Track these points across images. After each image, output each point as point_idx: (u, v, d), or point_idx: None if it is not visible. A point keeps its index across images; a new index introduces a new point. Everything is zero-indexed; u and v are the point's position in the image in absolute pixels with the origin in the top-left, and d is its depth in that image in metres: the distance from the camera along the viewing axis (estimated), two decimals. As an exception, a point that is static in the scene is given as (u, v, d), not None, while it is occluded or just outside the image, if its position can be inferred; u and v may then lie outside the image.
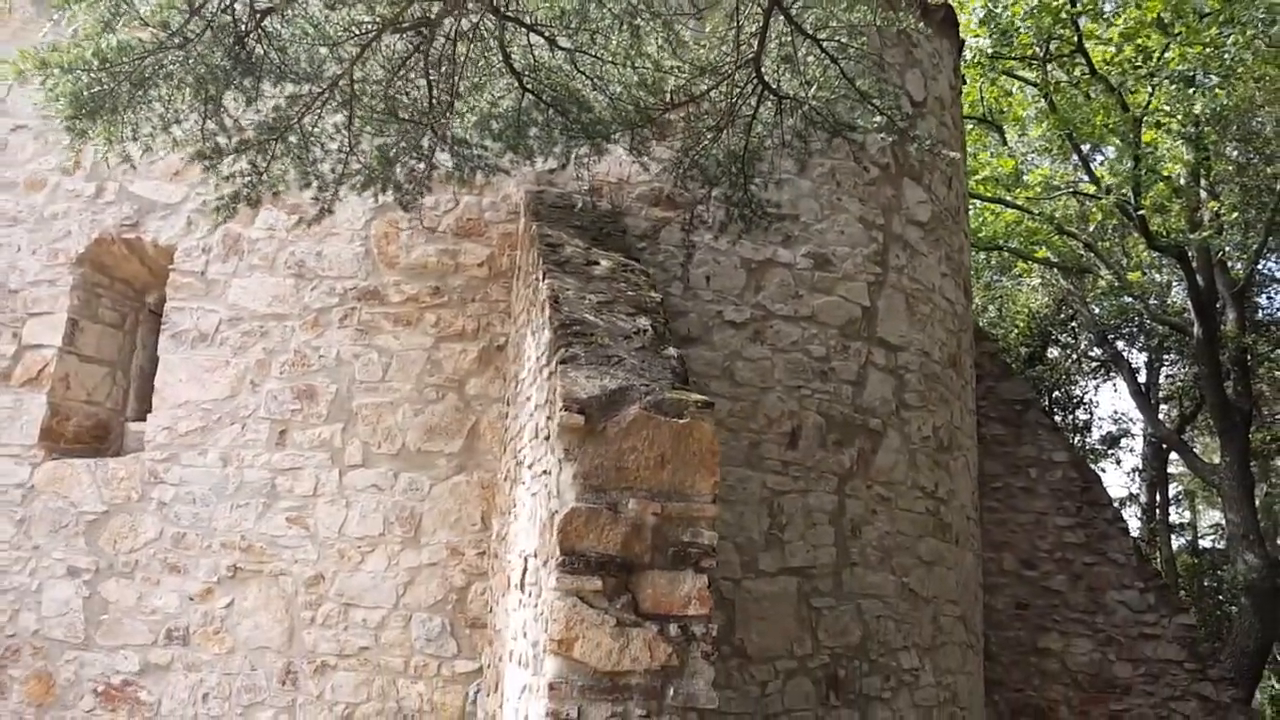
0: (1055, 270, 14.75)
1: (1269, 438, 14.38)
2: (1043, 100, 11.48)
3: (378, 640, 4.84)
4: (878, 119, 4.55)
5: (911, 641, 5.91)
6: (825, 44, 4.11)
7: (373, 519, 4.97)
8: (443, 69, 4.35)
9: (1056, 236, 13.82)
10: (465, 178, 4.79)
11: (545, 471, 3.50)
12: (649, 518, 3.02)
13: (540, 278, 4.10)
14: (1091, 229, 12.66)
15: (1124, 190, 10.74)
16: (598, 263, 4.32)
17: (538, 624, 3.28)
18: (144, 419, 5.63)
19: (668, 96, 4.43)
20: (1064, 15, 8.89)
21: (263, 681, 4.84)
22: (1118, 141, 10.74)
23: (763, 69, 4.10)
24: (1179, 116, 9.54)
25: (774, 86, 4.22)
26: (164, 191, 5.54)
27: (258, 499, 5.03)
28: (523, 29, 4.17)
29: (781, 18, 3.99)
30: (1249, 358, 12.95)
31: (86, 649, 5.04)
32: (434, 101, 4.43)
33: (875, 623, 5.64)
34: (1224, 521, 13.73)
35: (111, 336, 5.67)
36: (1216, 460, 13.62)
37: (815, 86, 4.32)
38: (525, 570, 3.72)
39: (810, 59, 4.24)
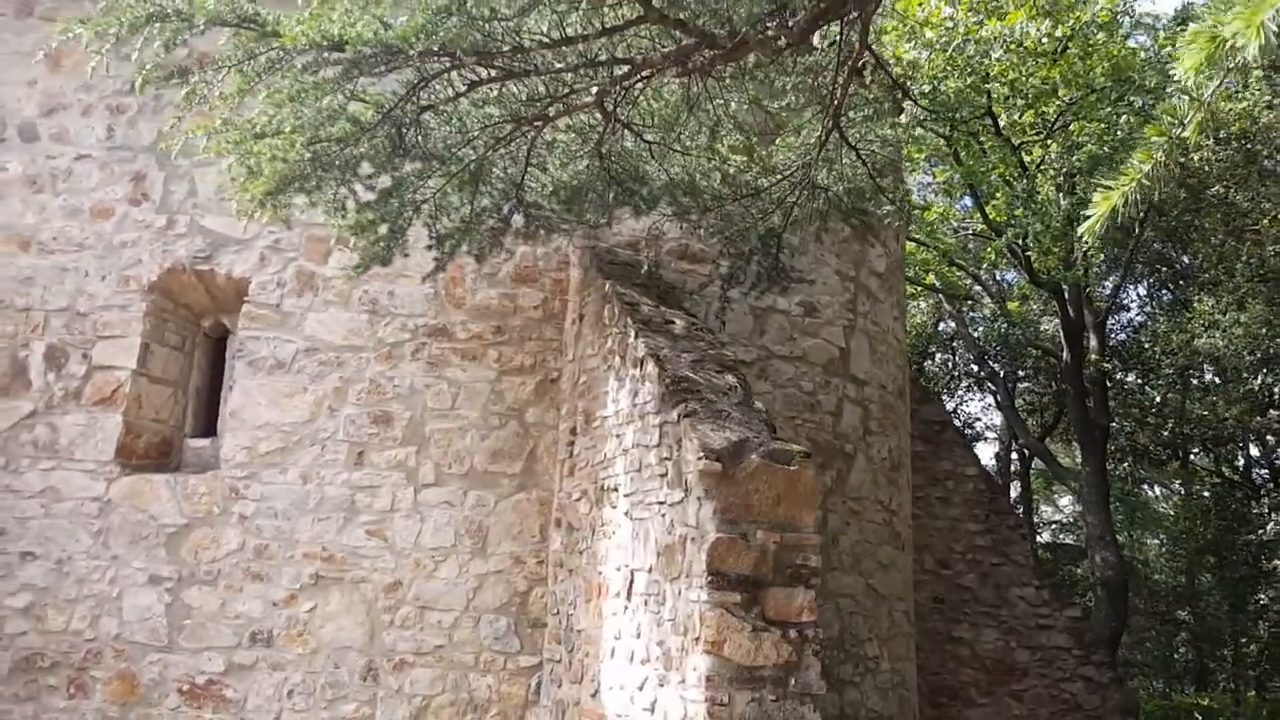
0: (940, 295, 16.37)
1: (1120, 448, 16.34)
2: (945, 145, 12.87)
3: (451, 639, 5.52)
4: (887, 207, 5.54)
5: (874, 634, 6.96)
6: (861, 151, 5.06)
7: (445, 532, 5.64)
8: (539, 150, 5.08)
9: (946, 267, 15.39)
10: (531, 234, 5.51)
11: (661, 502, 4.30)
12: (771, 545, 3.88)
13: (632, 335, 4.89)
14: (984, 265, 14.19)
15: (1014, 233, 12.22)
16: (673, 321, 5.14)
17: (665, 628, 4.09)
18: (203, 436, 6.11)
19: (718, 182, 5.29)
20: (983, 86, 10.18)
21: (346, 678, 5.45)
22: (1011, 191, 12.21)
23: (812, 171, 5.02)
24: (1060, 169, 11.05)
25: (818, 184, 5.14)
26: (236, 228, 6.00)
27: (338, 513, 5.61)
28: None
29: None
30: (1107, 380, 14.80)
31: (170, 651, 5.51)
32: (524, 175, 5.14)
33: (848, 618, 6.65)
34: (1083, 522, 15.58)
35: (174, 359, 6.09)
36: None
37: (846, 182, 5.27)
38: (631, 582, 4.51)
39: (846, 161, 5.17)
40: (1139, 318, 16.29)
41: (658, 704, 4.11)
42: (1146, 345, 15.13)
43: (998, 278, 16.33)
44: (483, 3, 3.63)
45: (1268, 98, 9.81)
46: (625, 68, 4.34)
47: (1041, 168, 11.67)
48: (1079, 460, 17.30)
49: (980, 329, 16.36)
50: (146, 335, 5.89)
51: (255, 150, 4.00)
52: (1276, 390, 11.23)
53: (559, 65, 4.23)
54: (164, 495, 5.68)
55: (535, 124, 4.75)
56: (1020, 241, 12.61)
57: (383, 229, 4.68)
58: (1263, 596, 11.98)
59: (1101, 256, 14.01)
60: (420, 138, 4.56)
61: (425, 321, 5.89)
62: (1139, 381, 15.98)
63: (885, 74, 4.65)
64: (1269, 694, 18.20)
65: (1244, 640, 14.13)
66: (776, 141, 4.99)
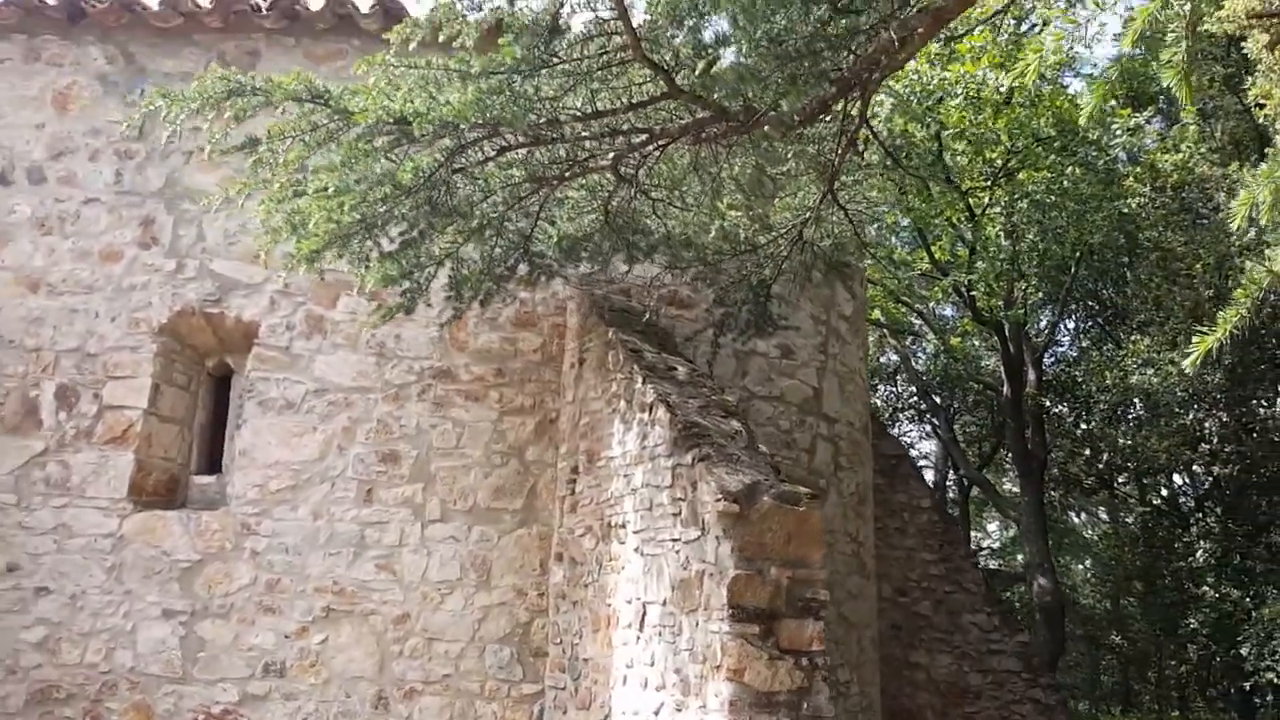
0: (884, 329, 17.05)
1: (1052, 477, 17.12)
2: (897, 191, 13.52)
3: (458, 668, 5.77)
4: (869, 261, 6.00)
5: (845, 660, 7.37)
6: (849, 211, 5.51)
7: (451, 565, 5.90)
8: (550, 205, 5.43)
9: (891, 304, 16.06)
10: (532, 280, 5.85)
11: (675, 539, 4.65)
12: (784, 580, 4.24)
13: (639, 382, 5.24)
14: (931, 305, 14.87)
15: (960, 274, 12.89)
16: (675, 368, 5.51)
17: (682, 657, 4.43)
18: (207, 473, 6.29)
19: (719, 237, 5.69)
20: (936, 134, 10.81)
21: (357, 707, 5.66)
22: (957, 234, 12.91)
23: (805, 231, 5.46)
24: (1007, 214, 11.74)
25: (809, 240, 5.58)
26: (245, 272, 6.22)
27: (349, 548, 5.84)
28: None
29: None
30: (1045, 414, 15.57)
31: (185, 683, 5.67)
32: (534, 228, 5.48)
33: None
34: (1020, 550, 16.28)
35: (181, 398, 6.27)
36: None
37: (833, 238, 5.72)
38: (644, 614, 4.84)
39: (835, 219, 5.62)
40: (1073, 353, 17.16)
41: (677, 727, 4.43)
42: (1080, 380, 15.96)
43: (938, 314, 17.06)
44: (529, 84, 3.98)
45: (1202, 150, 10.61)
46: (643, 135, 4.73)
47: (987, 213, 12.36)
48: (1015, 490, 18.11)
49: (923, 363, 17.05)
50: (157, 376, 6.07)
51: (303, 210, 4.26)
52: (1207, 425, 11.98)
53: (585, 134, 4.59)
54: (176, 531, 5.85)
55: (552, 183, 5.10)
56: (966, 282, 13.30)
57: (406, 283, 4.99)
58: (1192, 621, 12.69)
59: (1040, 295, 14.82)
60: (447, 196, 4.88)
61: (430, 364, 6.17)
62: (1071, 415, 16.81)
63: (879, 145, 5.09)
64: (1191, 713, 19.11)
65: (1173, 663, 14.89)
66: (775, 202, 5.41)
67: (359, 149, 4.05)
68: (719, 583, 4.24)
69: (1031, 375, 15.41)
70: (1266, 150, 10.61)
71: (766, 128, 4.49)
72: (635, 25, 3.96)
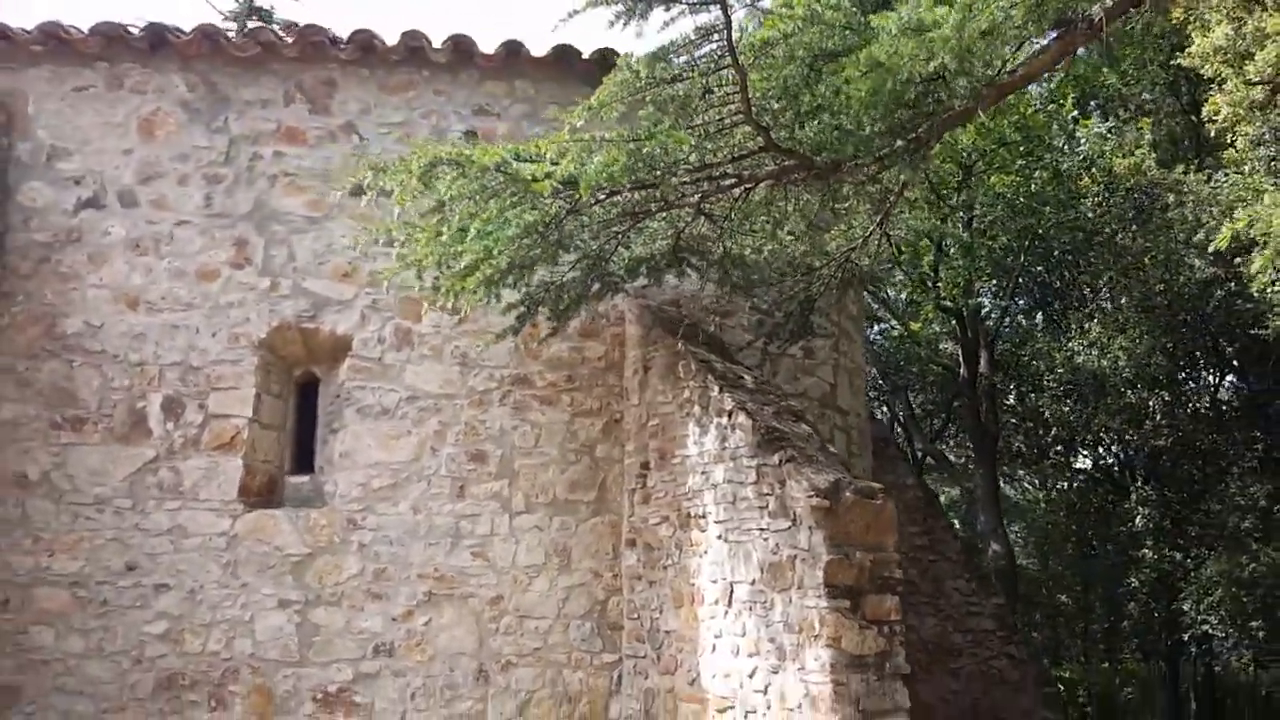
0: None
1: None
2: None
3: (546, 642, 6.49)
4: (900, 276, 6.83)
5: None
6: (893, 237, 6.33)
7: (536, 552, 6.60)
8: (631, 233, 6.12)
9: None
10: (600, 296, 6.55)
11: (763, 529, 5.43)
12: (866, 562, 5.05)
13: (716, 390, 5.97)
14: (902, 295, 15.90)
15: (928, 264, 13.92)
16: (743, 377, 6.27)
17: (775, 628, 5.21)
18: (299, 474, 6.86)
19: (781, 260, 6.45)
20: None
21: (460, 680, 6.35)
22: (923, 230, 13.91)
23: (852, 256, 6.26)
24: (980, 214, 12.73)
25: (856, 262, 6.38)
26: (336, 290, 6.77)
27: (446, 539, 6.50)
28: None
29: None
30: (995, 393, 16.77)
31: (302, 665, 6.28)
32: (614, 252, 6.17)
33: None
34: (975, 519, 17.52)
35: (276, 405, 6.82)
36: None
37: (874, 259, 6.54)
38: (731, 592, 5.61)
39: (877, 243, 6.42)
40: (1022, 337, 18.42)
41: (770, 687, 5.23)
42: (1027, 361, 17.22)
43: (900, 299, 18.11)
44: (668, 147, 4.65)
45: (1154, 155, 11.72)
46: (732, 180, 5.45)
47: (955, 210, 13.34)
48: (965, 462, 19.36)
49: (883, 346, 18.11)
50: (259, 386, 6.60)
51: (457, 251, 4.88)
52: (1151, 403, 13.21)
53: (685, 180, 5.29)
54: (286, 529, 6.43)
55: (641, 217, 5.80)
56: (932, 273, 14.33)
57: (521, 308, 5.68)
58: (1134, 580, 14.01)
59: (994, 282, 15.96)
60: (556, 233, 5.55)
61: (509, 372, 6.82)
62: (1018, 393, 18.09)
63: (930, 185, 5.88)
64: (1121, 665, 20.78)
65: (1112, 619, 16.30)
66: (832, 230, 6.19)
67: (511, 201, 4.70)
68: (813, 566, 5.03)
69: (984, 357, 16.60)
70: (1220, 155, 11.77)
71: (844, 174, 5.26)
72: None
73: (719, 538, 5.81)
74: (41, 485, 6.45)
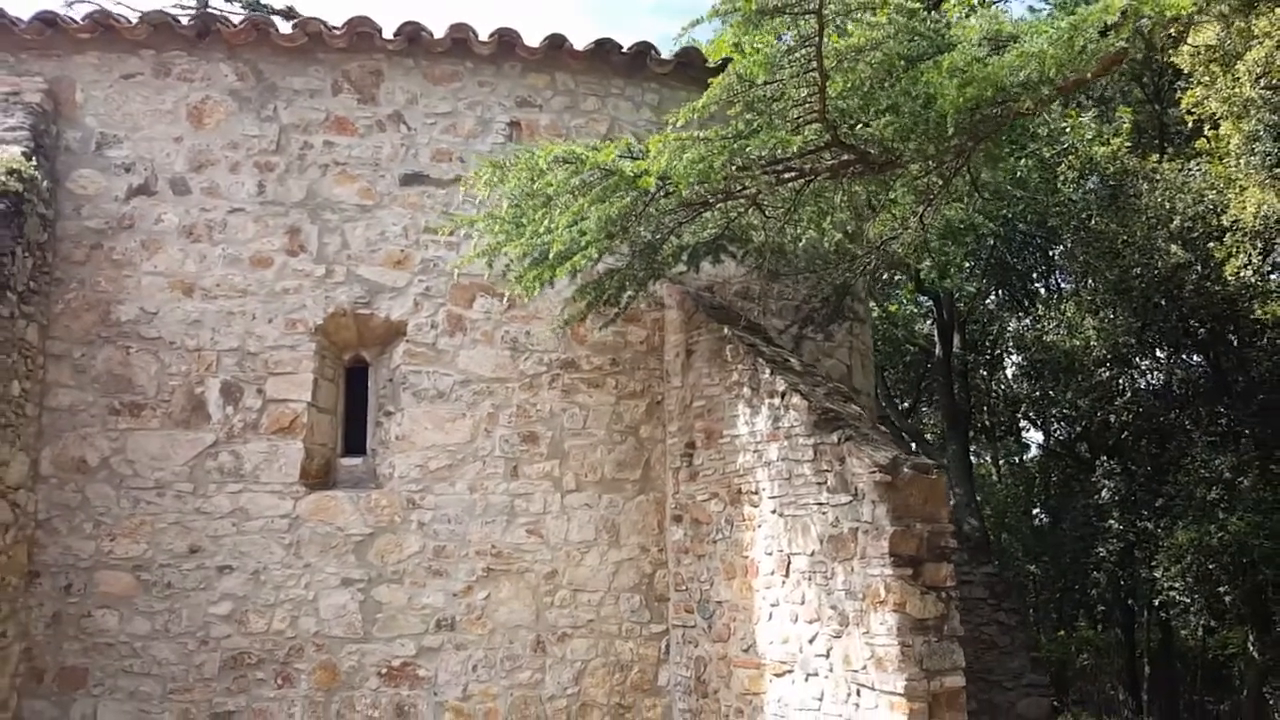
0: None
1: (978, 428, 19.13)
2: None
3: (598, 614, 6.80)
4: (929, 262, 7.22)
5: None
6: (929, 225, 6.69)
7: (586, 528, 6.89)
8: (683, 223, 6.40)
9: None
10: (649, 282, 6.83)
11: (821, 504, 5.77)
12: (925, 533, 5.42)
13: (767, 373, 6.29)
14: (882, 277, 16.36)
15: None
16: (789, 360, 6.60)
17: (836, 595, 5.57)
18: (351, 456, 7.05)
19: (801, 245, 6.78)
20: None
21: (520, 651, 6.63)
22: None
23: (894, 245, 6.62)
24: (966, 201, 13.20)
25: (893, 251, 6.74)
26: (389, 276, 6.95)
27: (501, 517, 6.75)
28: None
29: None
30: (967, 371, 17.42)
31: (366, 641, 6.50)
32: (664, 242, 6.45)
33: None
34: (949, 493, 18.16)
35: (329, 389, 6.98)
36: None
37: (906, 247, 6.90)
38: (789, 563, 5.96)
39: (915, 231, 6.79)
40: (985, 317, 19.10)
41: (833, 651, 5.60)
42: (996, 340, 17.90)
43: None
44: (747, 144, 4.94)
45: (1129, 144, 12.29)
46: (793, 173, 5.75)
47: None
48: (938, 437, 20.02)
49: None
50: (315, 371, 6.76)
51: (546, 242, 5.12)
52: (1121, 382, 13.87)
53: (757, 174, 5.57)
54: (347, 509, 6.62)
55: (699, 209, 6.09)
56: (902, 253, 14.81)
57: (589, 295, 5.95)
58: (1101, 549, 14.72)
59: (968, 265, 16.54)
60: (621, 226, 5.81)
61: (557, 356, 7.07)
62: (988, 371, 18.79)
63: (971, 179, 6.24)
64: (1076, 632, 21.69)
65: (1076, 587, 17.07)
66: (874, 220, 6.54)
67: (602, 196, 4.95)
68: (876, 537, 5.39)
69: (957, 338, 17.21)
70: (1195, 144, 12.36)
71: (899, 168, 5.59)
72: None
73: (773, 512, 6.15)
74: (101, 470, 6.54)
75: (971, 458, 24.45)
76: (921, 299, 17.36)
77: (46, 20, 6.85)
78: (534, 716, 6.58)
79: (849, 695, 5.36)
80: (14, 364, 6.11)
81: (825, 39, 4.49)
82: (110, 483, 6.54)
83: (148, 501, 6.53)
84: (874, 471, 5.43)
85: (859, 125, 5.31)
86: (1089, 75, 4.77)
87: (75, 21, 6.89)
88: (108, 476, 6.55)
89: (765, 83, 4.62)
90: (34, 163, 6.41)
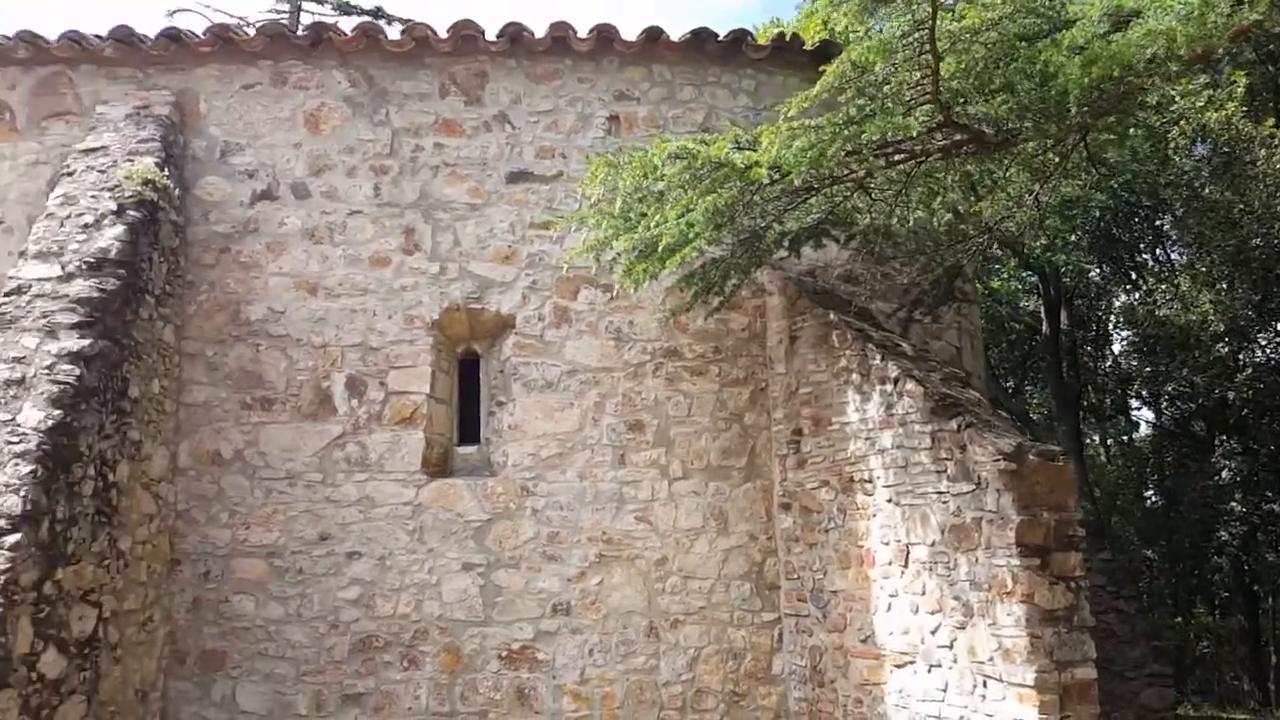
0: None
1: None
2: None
3: (710, 601, 6.87)
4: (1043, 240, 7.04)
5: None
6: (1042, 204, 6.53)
7: (694, 516, 6.96)
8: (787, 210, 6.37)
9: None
10: (748, 270, 6.82)
11: (941, 492, 5.70)
12: (1052, 522, 5.30)
13: (878, 359, 6.24)
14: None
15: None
16: (900, 345, 6.53)
17: (959, 586, 5.49)
18: (465, 444, 7.24)
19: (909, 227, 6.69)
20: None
21: (634, 636, 6.75)
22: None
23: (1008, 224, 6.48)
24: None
25: (1006, 230, 6.60)
26: (498, 272, 7.12)
27: (611, 504, 6.88)
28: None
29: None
30: (1077, 349, 16.90)
31: (486, 625, 6.70)
32: (767, 228, 6.42)
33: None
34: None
35: (445, 381, 7.20)
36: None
37: (1020, 226, 6.75)
38: (908, 553, 5.91)
39: (1028, 210, 6.63)
40: (1093, 292, 18.48)
41: (956, 642, 5.54)
42: (1105, 317, 17.30)
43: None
44: (871, 131, 4.90)
45: (1244, 108, 11.74)
46: (903, 154, 5.68)
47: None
48: (1047, 417, 19.49)
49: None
50: (434, 365, 6.98)
51: (658, 234, 5.18)
52: (1241, 357, 13.30)
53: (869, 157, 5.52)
54: (466, 496, 6.83)
55: (805, 194, 6.06)
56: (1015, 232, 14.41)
57: (696, 284, 6.01)
58: (1223, 533, 14.17)
59: (1073, 238, 16.04)
60: (728, 215, 5.81)
61: (660, 345, 7.15)
62: (1091, 349, 18.21)
63: (1090, 157, 6.07)
64: (1195, 620, 20.92)
65: (1196, 572, 16.47)
66: (987, 200, 6.42)
67: (710, 187, 4.98)
68: (1002, 527, 5.30)
69: (1065, 314, 16.71)
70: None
71: (1014, 147, 5.47)
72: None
73: (889, 501, 6.11)
74: (235, 462, 6.88)
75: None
76: (1024, 274, 16.85)
77: (171, 36, 7.19)
78: (650, 702, 6.70)
79: (975, 687, 5.31)
80: (154, 364, 6.47)
81: (938, 21, 4.43)
82: (244, 474, 6.88)
83: (279, 491, 6.85)
84: (998, 459, 5.34)
85: (971, 105, 5.22)
86: (1219, 49, 4.59)
87: (197, 36, 7.22)
88: (241, 468, 6.88)
89: (879, 68, 4.57)
90: (165, 172, 6.75)
